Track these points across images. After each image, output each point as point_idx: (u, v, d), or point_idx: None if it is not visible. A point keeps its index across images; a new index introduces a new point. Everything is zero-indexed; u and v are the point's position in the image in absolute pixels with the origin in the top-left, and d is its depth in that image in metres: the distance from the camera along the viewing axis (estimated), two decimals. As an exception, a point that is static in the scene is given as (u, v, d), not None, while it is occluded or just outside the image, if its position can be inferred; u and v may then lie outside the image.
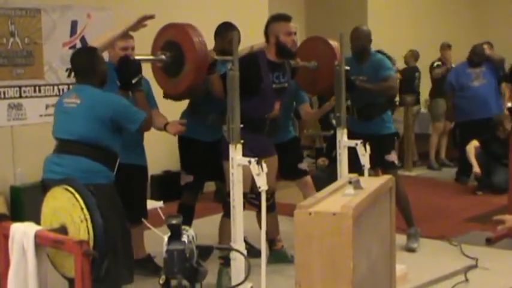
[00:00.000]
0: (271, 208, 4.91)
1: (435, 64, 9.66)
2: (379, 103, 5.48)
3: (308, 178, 5.46)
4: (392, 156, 5.54)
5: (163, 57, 4.31)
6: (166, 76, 4.41)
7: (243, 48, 5.11)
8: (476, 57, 8.29)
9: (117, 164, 3.96)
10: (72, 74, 4.25)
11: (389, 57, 10.02)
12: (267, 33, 4.72)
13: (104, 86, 4.01)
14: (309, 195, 4.70)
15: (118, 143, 3.98)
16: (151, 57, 4.37)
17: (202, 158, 5.08)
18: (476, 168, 7.83)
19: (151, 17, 4.27)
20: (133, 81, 4.10)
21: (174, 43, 4.31)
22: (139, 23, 4.30)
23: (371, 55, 5.60)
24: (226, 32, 4.97)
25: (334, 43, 5.18)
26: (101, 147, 3.83)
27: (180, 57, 4.26)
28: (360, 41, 5.49)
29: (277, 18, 4.75)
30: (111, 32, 4.41)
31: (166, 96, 4.95)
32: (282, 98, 4.83)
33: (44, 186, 3.86)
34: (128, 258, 3.92)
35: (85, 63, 4.00)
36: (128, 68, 4.14)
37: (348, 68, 5.02)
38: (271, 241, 5.22)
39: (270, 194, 4.86)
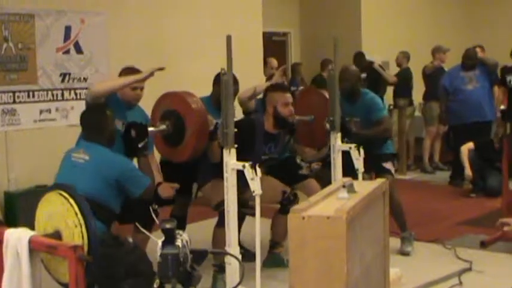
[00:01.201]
0: None
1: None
2: (377, 139, 5.48)
3: (313, 181, 5.41)
4: (389, 165, 5.57)
5: (164, 127, 4.33)
6: (168, 146, 4.44)
7: (246, 89, 5.15)
8: (470, 61, 8.32)
9: (113, 222, 4.00)
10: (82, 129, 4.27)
11: (382, 67, 10.11)
12: (264, 102, 4.87)
13: (112, 145, 4.08)
14: None
15: (119, 202, 4.03)
16: (152, 128, 4.37)
17: (181, 169, 5.06)
18: (468, 171, 7.84)
19: (162, 69, 4.31)
20: (140, 146, 4.17)
21: (173, 112, 4.33)
22: (151, 75, 4.35)
23: (362, 94, 5.59)
24: None
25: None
26: (100, 205, 3.84)
27: (180, 124, 4.29)
28: (349, 81, 5.44)
29: (275, 88, 4.93)
30: (121, 79, 4.47)
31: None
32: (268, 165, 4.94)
33: None
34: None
35: (94, 122, 4.08)
36: (135, 132, 4.21)
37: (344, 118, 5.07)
38: (276, 243, 5.23)
39: (293, 195, 4.94)
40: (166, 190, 4.57)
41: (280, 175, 5.08)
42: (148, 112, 4.72)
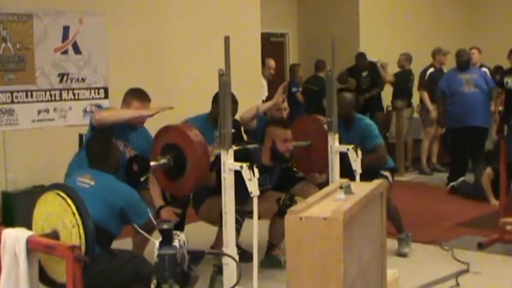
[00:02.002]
0: None
1: (428, 71, 9.65)
2: (374, 165, 5.49)
3: (309, 183, 5.40)
4: (387, 173, 5.59)
5: (165, 160, 4.33)
6: (170, 179, 4.43)
7: (248, 109, 5.20)
8: (463, 60, 8.31)
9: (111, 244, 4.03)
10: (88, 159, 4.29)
11: (383, 67, 10.13)
12: (263, 134, 4.90)
13: (117, 173, 4.15)
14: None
15: (119, 229, 4.06)
16: (153, 163, 4.37)
17: None
18: (493, 201, 7.29)
19: (170, 108, 4.40)
20: (142, 179, 4.24)
21: (173, 145, 4.34)
22: (157, 113, 4.41)
23: (357, 120, 5.65)
24: None
25: (324, 120, 5.21)
26: (102, 230, 3.81)
27: (181, 157, 4.29)
28: (344, 109, 5.48)
29: (277, 123, 4.96)
30: (129, 112, 4.55)
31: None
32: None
33: None
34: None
35: (101, 152, 4.14)
36: (137, 166, 4.27)
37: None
38: (273, 245, 5.24)
39: (289, 199, 4.95)
40: (168, 215, 4.57)
41: (277, 182, 5.11)
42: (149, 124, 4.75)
